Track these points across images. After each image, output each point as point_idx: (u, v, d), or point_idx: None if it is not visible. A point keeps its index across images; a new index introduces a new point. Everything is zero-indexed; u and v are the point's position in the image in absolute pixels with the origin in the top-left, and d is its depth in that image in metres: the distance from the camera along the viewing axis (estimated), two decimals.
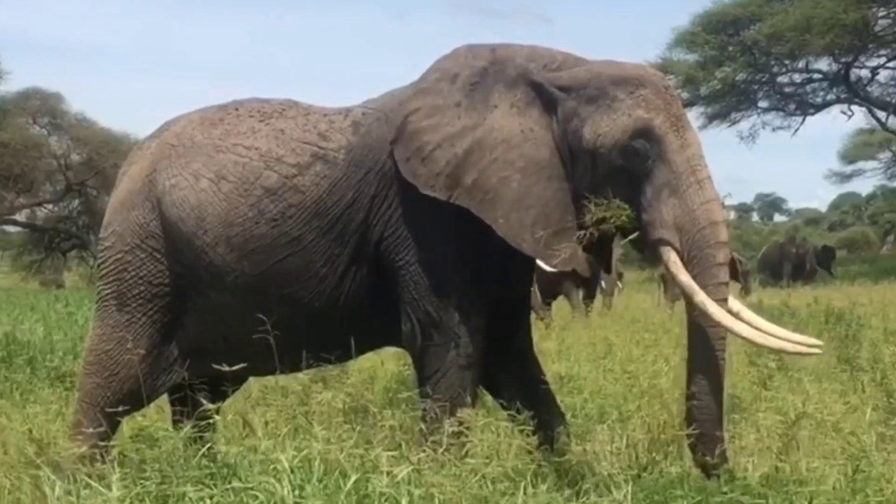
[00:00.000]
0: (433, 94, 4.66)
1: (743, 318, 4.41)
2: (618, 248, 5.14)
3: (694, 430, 4.31)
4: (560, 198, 4.55)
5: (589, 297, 15.47)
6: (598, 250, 4.72)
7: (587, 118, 4.52)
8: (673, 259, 4.39)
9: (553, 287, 14.76)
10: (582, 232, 4.49)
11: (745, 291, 20.40)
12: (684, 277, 4.35)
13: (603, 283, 16.34)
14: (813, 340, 4.49)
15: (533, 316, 12.85)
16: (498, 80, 4.65)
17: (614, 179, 4.47)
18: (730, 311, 4.36)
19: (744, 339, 4.38)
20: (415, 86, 4.76)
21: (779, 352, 4.49)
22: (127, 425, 5.09)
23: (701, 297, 4.30)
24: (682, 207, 4.38)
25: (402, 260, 4.66)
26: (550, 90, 4.60)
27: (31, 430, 5.20)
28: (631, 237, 4.57)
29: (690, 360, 4.43)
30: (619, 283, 23.13)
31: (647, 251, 4.61)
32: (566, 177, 4.57)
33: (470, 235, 4.60)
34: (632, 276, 25.63)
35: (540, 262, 4.76)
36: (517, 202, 4.50)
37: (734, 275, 20.75)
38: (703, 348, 4.38)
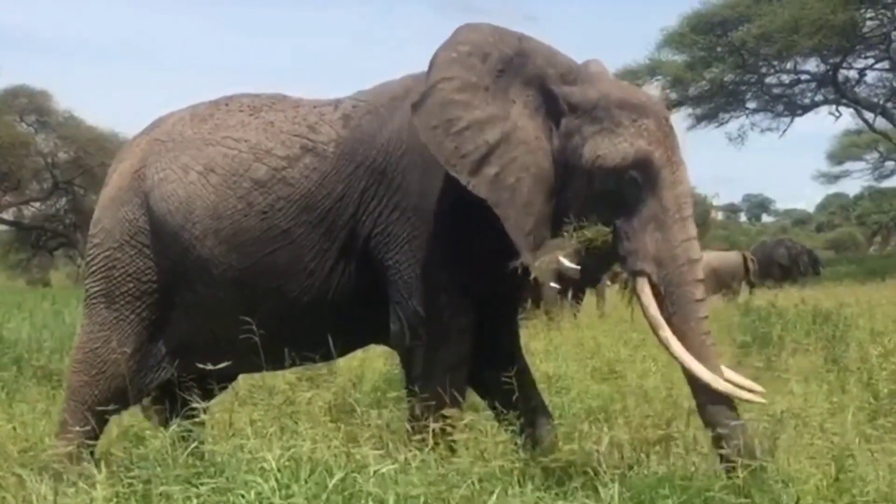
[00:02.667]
0: (466, 67, 4.57)
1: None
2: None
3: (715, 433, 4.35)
4: (547, 212, 4.57)
5: (576, 299, 15.48)
6: (596, 264, 4.78)
7: (588, 138, 4.52)
8: (647, 292, 4.44)
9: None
10: (570, 245, 4.56)
11: (750, 286, 20.90)
12: (653, 311, 4.42)
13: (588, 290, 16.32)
14: (757, 387, 4.51)
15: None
16: (518, 74, 4.62)
17: (604, 202, 4.49)
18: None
19: (697, 376, 4.36)
20: (442, 51, 4.62)
21: (724, 393, 4.51)
22: (114, 424, 5.07)
23: (666, 333, 4.38)
24: (665, 243, 4.43)
25: (391, 258, 4.66)
26: (560, 103, 4.59)
27: (14, 428, 5.18)
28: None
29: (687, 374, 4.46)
30: (616, 283, 23.26)
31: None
32: (555, 191, 4.57)
33: (460, 234, 4.61)
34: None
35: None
36: (524, 207, 4.51)
37: (747, 273, 21.18)
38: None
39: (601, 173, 4.48)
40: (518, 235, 4.49)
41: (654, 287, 4.44)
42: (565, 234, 4.50)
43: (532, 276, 4.65)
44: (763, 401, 4.58)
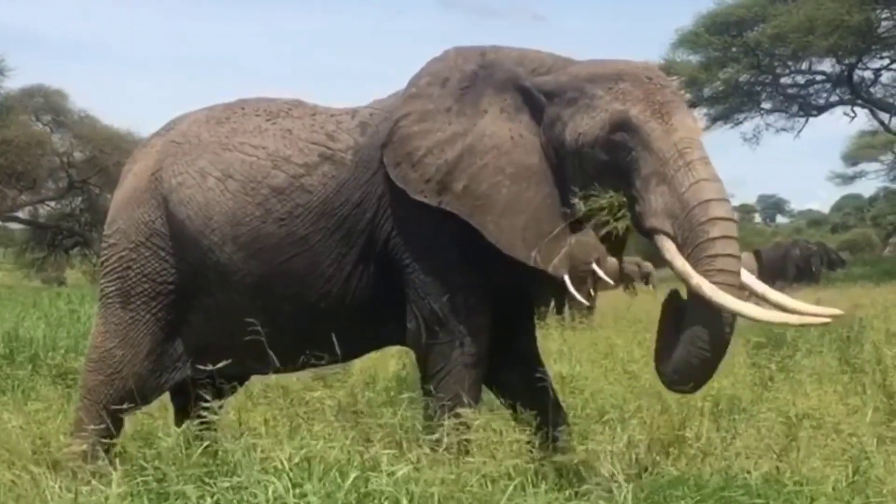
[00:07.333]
0: (423, 98, 4.68)
1: (756, 291, 4.45)
2: None
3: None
4: (549, 203, 4.55)
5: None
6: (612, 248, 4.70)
7: (568, 121, 4.52)
8: (667, 246, 4.32)
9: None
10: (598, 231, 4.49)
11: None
12: (678, 262, 4.27)
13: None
14: (822, 310, 4.40)
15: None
16: (487, 84, 4.66)
17: (603, 176, 4.44)
18: (741, 285, 4.32)
19: (745, 316, 4.26)
20: (406, 90, 4.77)
21: (783, 325, 4.38)
22: (129, 423, 5.09)
23: (696, 279, 4.20)
24: (671, 193, 4.30)
25: (408, 259, 4.67)
26: (537, 96, 4.61)
27: (21, 427, 5.20)
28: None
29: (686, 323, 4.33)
30: (649, 283, 23.27)
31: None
32: (555, 182, 4.57)
33: (476, 235, 4.60)
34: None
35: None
36: (508, 208, 4.52)
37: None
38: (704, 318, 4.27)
39: (588, 149, 4.45)
40: (503, 238, 4.50)
41: (673, 240, 4.31)
42: (576, 206, 4.44)
43: (545, 270, 4.62)
44: (828, 321, 4.46)
